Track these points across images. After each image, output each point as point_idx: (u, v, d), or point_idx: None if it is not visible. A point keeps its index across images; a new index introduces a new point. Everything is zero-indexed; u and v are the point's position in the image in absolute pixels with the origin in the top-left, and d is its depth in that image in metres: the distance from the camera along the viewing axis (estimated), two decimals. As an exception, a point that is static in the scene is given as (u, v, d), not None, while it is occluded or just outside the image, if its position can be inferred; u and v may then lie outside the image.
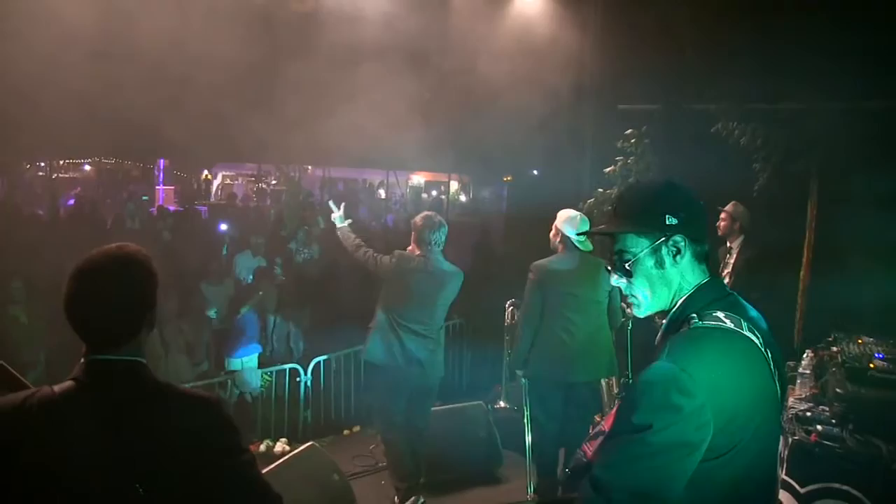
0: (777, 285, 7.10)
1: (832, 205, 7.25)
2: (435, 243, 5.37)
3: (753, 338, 1.90)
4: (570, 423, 5.44)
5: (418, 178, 30.62)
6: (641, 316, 2.09)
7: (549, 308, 5.31)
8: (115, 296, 1.95)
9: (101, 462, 1.84)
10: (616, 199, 2.15)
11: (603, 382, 7.25)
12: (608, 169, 8.73)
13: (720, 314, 1.91)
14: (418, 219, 5.47)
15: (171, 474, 1.90)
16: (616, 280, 2.07)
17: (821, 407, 4.40)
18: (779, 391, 1.96)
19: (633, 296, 2.06)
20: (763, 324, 2.00)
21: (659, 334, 2.04)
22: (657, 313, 2.08)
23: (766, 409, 1.90)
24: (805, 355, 4.91)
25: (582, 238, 5.16)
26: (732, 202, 6.56)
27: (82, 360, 1.94)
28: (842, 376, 4.45)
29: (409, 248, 5.49)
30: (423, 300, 5.37)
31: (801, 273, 7.53)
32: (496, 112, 8.72)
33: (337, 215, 5.83)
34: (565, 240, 5.33)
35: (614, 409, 1.97)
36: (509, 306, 6.33)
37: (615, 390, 7.13)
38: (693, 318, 1.91)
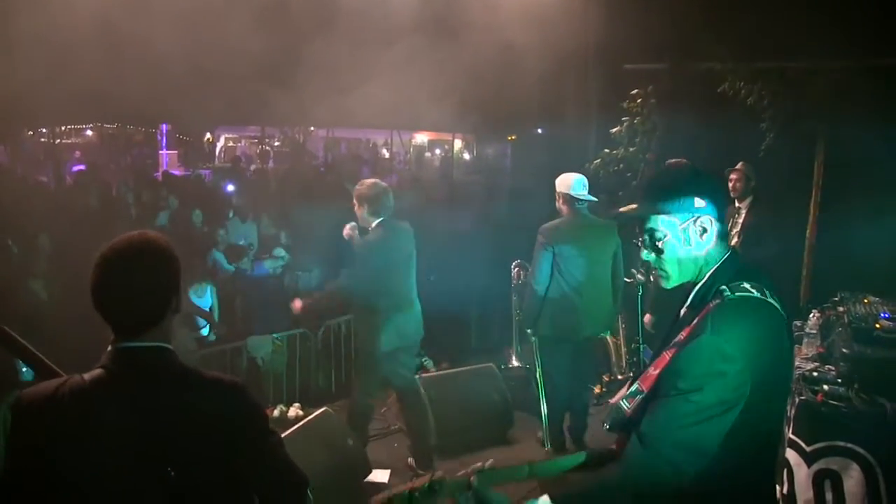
0: (783, 244, 7.13)
1: (839, 164, 7.23)
2: (390, 207, 5.41)
3: (775, 303, 2.11)
4: (577, 378, 5.90)
5: (421, 138, 30.49)
6: (668, 287, 2.28)
7: (557, 268, 5.55)
8: (139, 282, 1.98)
9: (132, 447, 1.90)
10: (646, 180, 2.38)
11: (611, 343, 7.36)
12: (614, 129, 8.70)
13: (747, 285, 2.10)
14: (366, 189, 5.42)
15: (201, 458, 1.96)
16: (646, 255, 2.27)
17: (827, 366, 4.46)
18: (793, 346, 2.22)
19: (662, 269, 2.26)
20: (776, 289, 2.17)
21: (685, 306, 2.25)
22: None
23: (786, 366, 2.18)
24: (811, 315, 4.95)
25: (583, 191, 5.57)
26: (741, 162, 6.57)
27: (110, 347, 1.99)
28: (848, 336, 4.48)
29: (351, 226, 5.53)
30: (400, 268, 5.47)
31: (808, 232, 7.53)
32: (500, 71, 8.68)
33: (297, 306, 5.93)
34: (570, 201, 5.57)
35: (654, 370, 2.13)
36: (515, 267, 6.40)
37: (623, 351, 7.24)
38: (724, 290, 2.10)
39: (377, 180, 5.60)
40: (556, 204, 5.71)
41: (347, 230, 5.55)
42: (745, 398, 1.98)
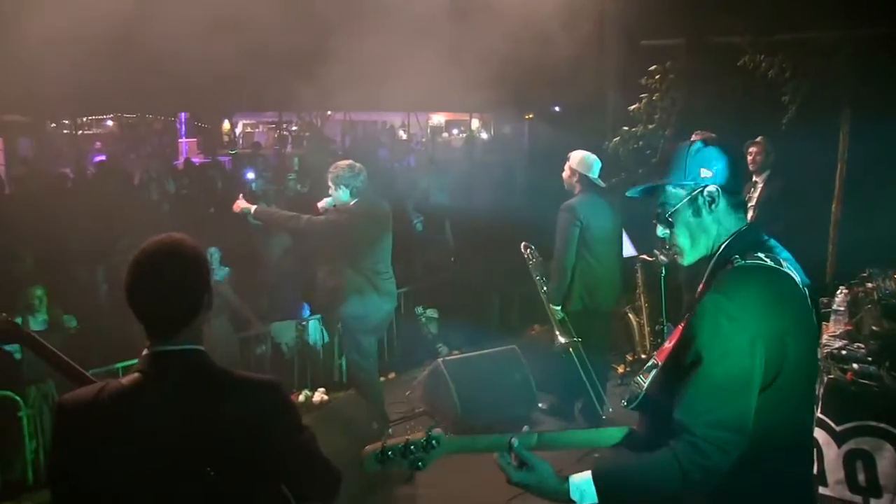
0: (808, 219, 7.03)
1: (864, 135, 7.10)
2: (363, 187, 5.54)
3: (793, 274, 2.09)
4: (597, 351, 6.13)
5: (438, 118, 30.42)
6: (686, 264, 2.25)
7: (582, 244, 5.79)
8: (170, 283, 2.03)
9: (172, 448, 1.97)
10: (662, 153, 2.40)
11: (634, 322, 7.33)
12: (633, 107, 8.61)
13: (761, 254, 2.09)
14: (341, 169, 5.52)
15: (239, 456, 2.02)
16: (661, 231, 2.25)
17: (856, 344, 4.40)
18: (816, 324, 2.17)
19: (675, 245, 2.23)
20: (797, 265, 2.16)
21: (703, 281, 2.21)
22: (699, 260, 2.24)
23: (808, 341, 2.09)
24: (839, 291, 4.89)
25: (596, 176, 5.84)
26: (761, 136, 6.48)
27: (145, 351, 2.05)
28: (878, 313, 4.42)
29: (326, 201, 5.70)
30: (377, 243, 5.66)
31: (833, 206, 7.40)
32: (517, 49, 8.59)
33: (243, 207, 5.82)
34: (583, 179, 5.84)
35: (668, 343, 2.13)
36: (525, 248, 6.44)
37: (647, 331, 7.21)
38: (735, 259, 2.08)
39: (351, 161, 5.70)
40: (569, 179, 5.92)
41: (322, 204, 5.75)
42: (762, 370, 1.94)
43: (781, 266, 2.07)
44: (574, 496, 1.96)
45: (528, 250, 6.29)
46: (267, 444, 2.06)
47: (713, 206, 2.15)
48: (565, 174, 5.96)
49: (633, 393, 2.19)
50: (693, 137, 5.81)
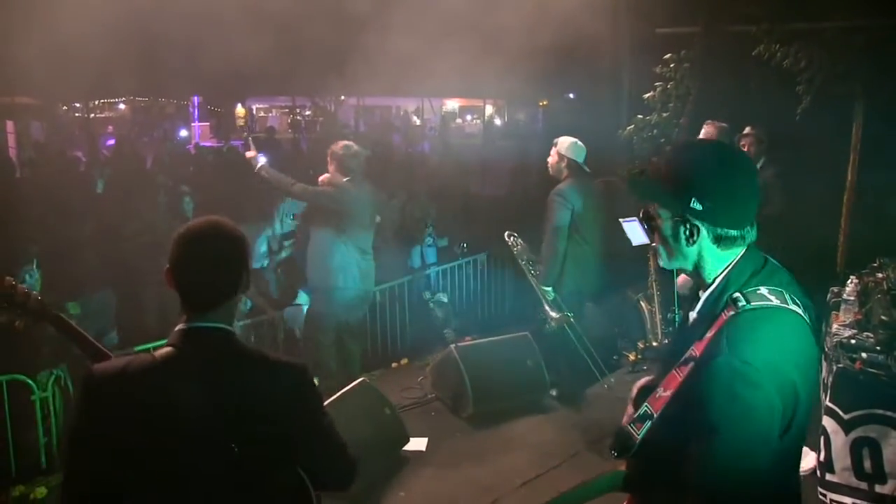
0: (820, 209, 7.04)
1: (878, 125, 7.08)
2: (357, 170, 5.90)
3: (797, 309, 1.93)
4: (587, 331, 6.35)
5: (452, 104, 30.36)
6: (666, 268, 2.13)
7: (575, 227, 6.00)
8: (218, 258, 2.13)
9: (198, 423, 2.01)
10: (663, 157, 2.13)
11: (646, 310, 7.36)
12: (647, 95, 8.60)
13: (764, 291, 1.92)
14: (339, 148, 5.91)
15: (263, 435, 2.08)
16: (646, 228, 2.14)
17: (865, 334, 4.41)
18: (818, 351, 2.03)
19: (657, 248, 2.11)
20: (796, 284, 2.01)
21: (696, 310, 2.06)
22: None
23: (813, 376, 1.96)
24: (849, 281, 4.89)
25: (583, 161, 6.04)
26: (750, 126, 6.30)
27: (179, 327, 2.12)
28: (887, 303, 4.45)
29: (325, 176, 6.02)
30: (365, 223, 6.02)
31: (845, 196, 7.40)
32: (532, 35, 8.58)
33: (254, 155, 6.07)
34: (571, 164, 6.04)
35: (665, 392, 1.98)
36: (508, 237, 6.56)
37: (658, 318, 7.23)
38: (738, 299, 1.90)
39: (351, 142, 6.07)
40: (557, 164, 6.11)
41: (322, 178, 6.03)
42: (779, 423, 1.84)
43: (786, 302, 1.91)
44: None
45: (512, 238, 6.49)
46: (291, 424, 2.13)
47: (692, 239, 1.98)
48: (552, 159, 6.14)
49: (623, 443, 2.06)
50: (704, 127, 5.76)
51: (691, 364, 1.90)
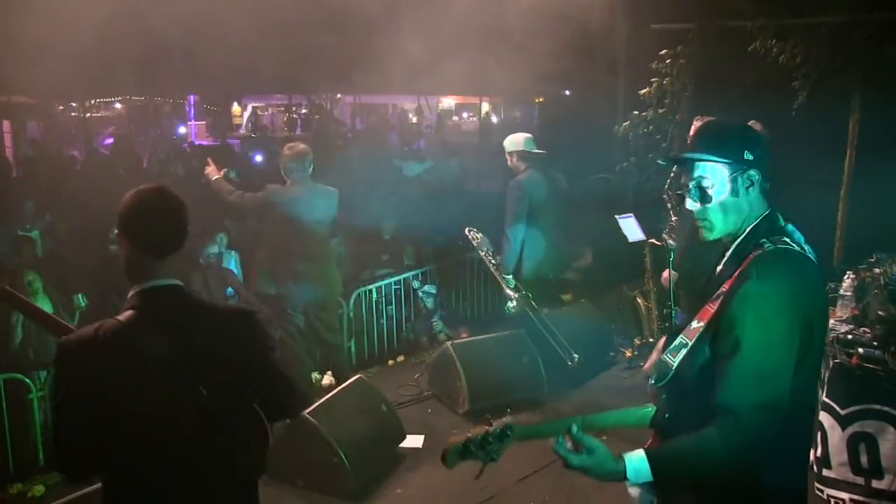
0: (817, 204, 7.02)
1: (874, 121, 7.07)
2: (297, 171, 5.81)
3: (812, 257, 2.17)
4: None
5: (448, 101, 30.34)
6: (711, 239, 2.29)
7: (532, 216, 6.25)
8: (170, 208, 2.38)
9: (169, 373, 2.23)
10: (697, 129, 2.38)
11: (642, 306, 7.36)
12: (643, 91, 8.59)
13: (786, 239, 2.15)
14: (285, 149, 5.96)
15: (226, 375, 2.35)
16: (691, 204, 2.27)
17: (862, 329, 4.43)
18: (828, 308, 2.28)
19: (705, 219, 2.26)
20: (812, 249, 2.22)
21: (725, 259, 2.26)
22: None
23: (824, 322, 2.22)
24: (846, 276, 4.89)
25: (534, 146, 6.37)
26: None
27: (133, 291, 2.32)
28: (884, 298, 4.44)
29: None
30: (301, 226, 5.79)
31: (842, 192, 7.39)
32: (528, 32, 8.58)
33: (211, 170, 6.10)
34: (524, 156, 6.35)
35: (699, 323, 2.16)
36: (468, 231, 6.63)
37: (654, 314, 7.23)
38: (765, 243, 2.14)
39: (295, 145, 5.99)
40: (511, 162, 6.43)
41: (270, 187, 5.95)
42: (798, 350, 2.02)
43: (805, 251, 2.15)
44: (630, 475, 2.01)
45: (471, 232, 6.59)
46: (247, 364, 2.42)
47: (750, 189, 2.20)
48: (509, 161, 6.46)
49: (661, 371, 2.23)
50: (696, 121, 5.76)
51: (722, 297, 2.12)
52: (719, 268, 2.28)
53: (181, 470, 2.29)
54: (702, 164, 2.23)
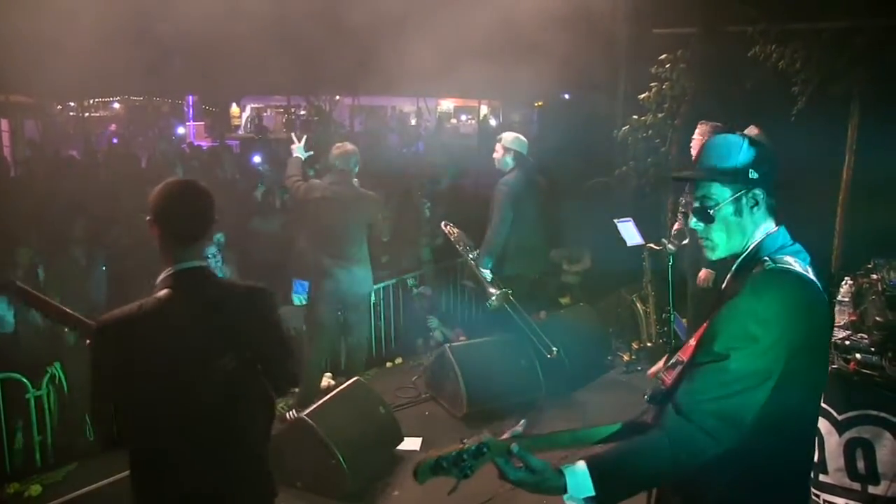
0: (815, 209, 7.03)
1: (874, 126, 7.07)
2: (342, 170, 5.95)
3: (816, 281, 2.11)
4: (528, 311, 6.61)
5: (447, 104, 30.35)
6: (714, 259, 2.26)
7: (518, 217, 6.37)
8: (199, 199, 2.66)
9: (203, 342, 2.54)
10: (703, 146, 2.30)
11: (641, 310, 7.37)
12: (642, 95, 8.60)
13: (790, 259, 2.11)
14: (333, 148, 6.10)
15: (248, 344, 2.65)
16: (694, 223, 2.25)
17: (860, 335, 4.41)
18: (831, 330, 2.21)
19: (708, 239, 2.23)
20: (817, 270, 2.17)
21: (728, 276, 2.23)
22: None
23: (824, 344, 2.18)
24: (844, 282, 4.89)
25: (526, 151, 6.52)
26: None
27: (168, 272, 2.57)
28: (882, 304, 4.44)
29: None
30: (332, 224, 5.92)
31: (840, 197, 7.38)
32: (527, 35, 8.58)
33: (298, 146, 6.33)
34: (517, 157, 6.49)
35: (693, 341, 2.14)
36: (445, 226, 6.78)
37: (653, 318, 7.23)
38: (766, 261, 2.10)
39: (342, 143, 6.15)
40: (503, 157, 6.53)
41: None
42: (780, 372, 1.97)
43: (807, 272, 2.10)
44: (571, 489, 1.95)
45: (448, 227, 6.73)
46: (265, 333, 2.73)
47: (755, 208, 2.17)
48: (497, 154, 6.56)
49: (655, 388, 2.21)
50: (698, 128, 5.74)
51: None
52: (723, 286, 2.25)
53: (208, 435, 2.55)
54: (705, 183, 2.21)
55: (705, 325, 2.13)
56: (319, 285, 6.00)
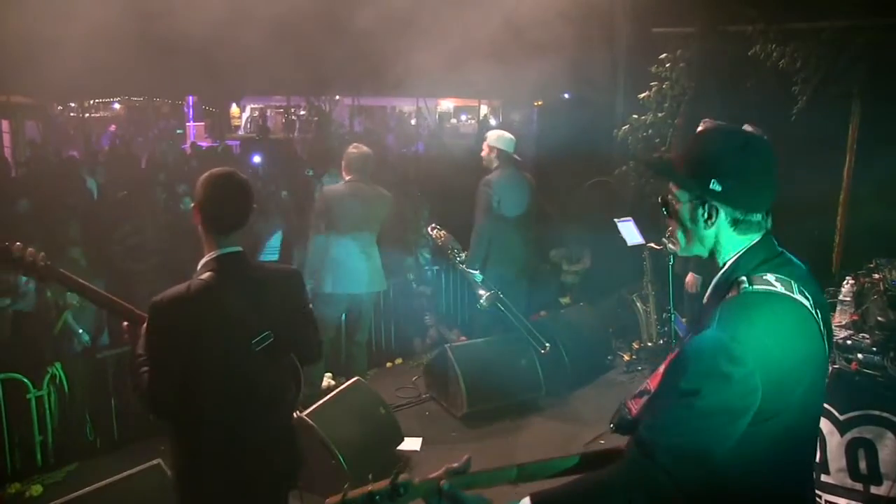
0: (816, 209, 7.03)
1: (874, 126, 7.06)
2: (357, 170, 6.02)
3: (804, 300, 1.89)
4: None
5: (447, 104, 30.37)
6: (680, 254, 2.15)
7: (501, 216, 6.37)
8: (243, 193, 2.87)
9: (245, 318, 2.78)
10: (696, 134, 2.15)
11: (641, 311, 7.35)
12: (642, 95, 8.59)
13: (770, 277, 1.89)
14: (350, 148, 6.16)
15: (284, 321, 2.90)
16: (663, 214, 2.13)
17: (861, 335, 4.41)
18: (827, 351, 1.96)
19: (672, 234, 2.11)
20: (811, 281, 1.98)
21: (707, 294, 2.06)
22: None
23: (814, 371, 1.91)
24: (845, 282, 4.88)
25: (513, 150, 6.47)
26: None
27: (210, 255, 2.81)
28: (883, 304, 4.44)
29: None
30: (345, 223, 5.95)
31: (841, 196, 7.37)
32: (527, 34, 8.58)
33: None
34: (502, 155, 6.46)
35: (660, 371, 2.00)
36: (432, 229, 6.80)
37: (653, 318, 7.22)
38: (742, 281, 1.89)
39: (357, 144, 6.22)
40: (489, 155, 6.53)
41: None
42: (756, 406, 1.79)
43: (792, 290, 1.88)
44: None
45: (435, 231, 6.75)
46: (294, 311, 2.99)
47: (710, 222, 1.98)
48: (484, 152, 6.57)
49: (622, 416, 2.11)
50: (701, 125, 5.75)
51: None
52: (705, 299, 2.08)
53: (249, 403, 2.81)
54: (668, 179, 2.09)
55: (673, 354, 1.96)
56: (336, 283, 5.95)
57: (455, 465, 1.98)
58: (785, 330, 1.83)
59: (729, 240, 2.00)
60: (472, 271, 6.42)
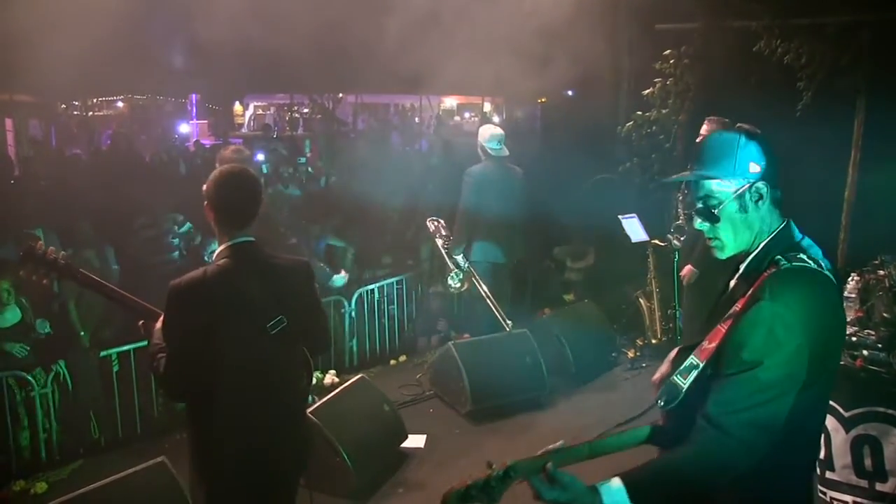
0: (821, 205, 6.99)
1: (880, 121, 7.03)
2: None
3: (831, 276, 2.08)
4: (499, 299, 6.79)
5: (451, 101, 30.33)
6: (723, 258, 2.21)
7: (483, 205, 6.62)
8: (253, 186, 3.03)
9: (259, 304, 2.91)
10: (699, 145, 2.28)
11: (645, 307, 7.35)
12: (646, 91, 8.56)
13: (803, 255, 2.06)
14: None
15: (297, 308, 3.02)
16: (700, 224, 2.20)
17: (866, 331, 4.41)
18: (845, 324, 2.17)
19: (716, 238, 2.19)
20: (829, 263, 2.13)
21: (737, 276, 2.19)
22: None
23: (840, 341, 2.15)
24: (850, 278, 4.87)
25: (498, 147, 6.74)
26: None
27: (224, 244, 2.95)
28: (888, 300, 4.43)
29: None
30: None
31: (847, 192, 7.34)
32: (531, 31, 8.56)
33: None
34: (484, 149, 6.77)
35: (710, 344, 2.08)
36: (431, 222, 7.10)
37: (658, 315, 7.22)
38: (779, 259, 2.06)
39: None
40: (478, 150, 6.86)
41: None
42: (805, 375, 1.95)
43: (821, 267, 2.06)
44: None
45: (433, 222, 7.08)
46: (306, 300, 3.12)
47: (760, 202, 2.11)
48: (478, 148, 6.88)
49: (670, 393, 2.14)
50: (705, 124, 5.69)
51: (733, 318, 2.04)
52: (732, 283, 2.21)
53: (262, 388, 2.93)
54: (706, 182, 2.16)
55: (721, 327, 2.06)
56: None
57: (554, 446, 2.10)
58: (825, 302, 2.02)
59: (770, 220, 2.14)
60: (455, 256, 6.78)
